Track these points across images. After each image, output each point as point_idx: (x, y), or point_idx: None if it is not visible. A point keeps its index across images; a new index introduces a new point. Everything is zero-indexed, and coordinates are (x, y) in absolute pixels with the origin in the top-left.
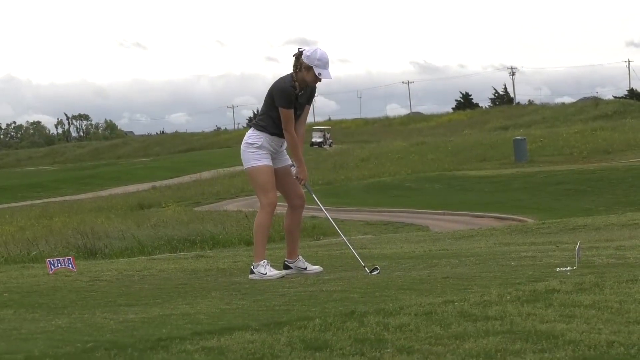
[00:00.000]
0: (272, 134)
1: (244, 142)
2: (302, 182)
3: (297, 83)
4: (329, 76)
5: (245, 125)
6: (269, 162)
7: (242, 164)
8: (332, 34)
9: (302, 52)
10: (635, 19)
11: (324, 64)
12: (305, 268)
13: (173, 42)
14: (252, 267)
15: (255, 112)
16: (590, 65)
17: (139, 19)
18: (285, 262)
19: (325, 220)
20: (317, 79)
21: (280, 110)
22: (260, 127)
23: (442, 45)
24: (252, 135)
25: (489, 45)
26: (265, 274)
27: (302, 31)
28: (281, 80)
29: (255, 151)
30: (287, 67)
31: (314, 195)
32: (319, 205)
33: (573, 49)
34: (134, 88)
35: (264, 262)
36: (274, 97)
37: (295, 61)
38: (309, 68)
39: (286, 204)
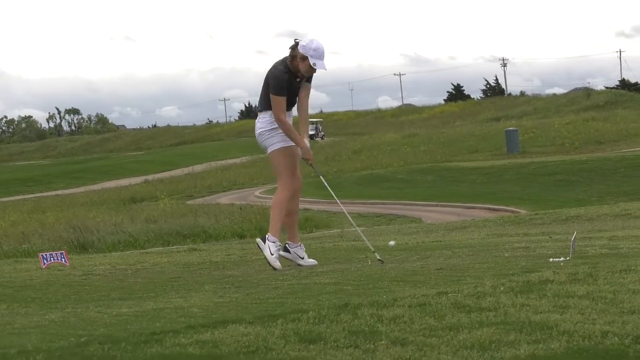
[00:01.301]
0: None
1: (262, 128)
2: (309, 162)
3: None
4: (323, 67)
5: (237, 118)
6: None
7: (234, 157)
8: (322, 26)
9: (298, 42)
10: (624, 10)
11: (320, 54)
12: (303, 258)
13: (163, 35)
14: (267, 237)
15: (247, 105)
16: (581, 56)
17: (128, 13)
18: (287, 245)
19: (318, 212)
20: (312, 69)
21: (272, 97)
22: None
23: (432, 37)
24: (269, 120)
25: (479, 37)
26: (272, 254)
27: (292, 24)
28: (275, 66)
29: (279, 133)
30: (277, 60)
31: (321, 177)
32: (325, 188)
33: (563, 40)
34: (124, 82)
35: (276, 240)
36: (269, 83)
37: (291, 51)
38: (304, 58)
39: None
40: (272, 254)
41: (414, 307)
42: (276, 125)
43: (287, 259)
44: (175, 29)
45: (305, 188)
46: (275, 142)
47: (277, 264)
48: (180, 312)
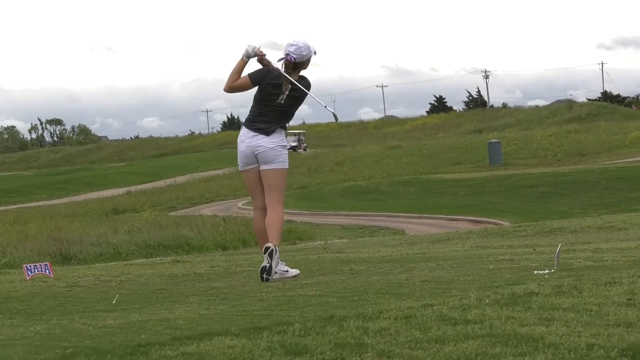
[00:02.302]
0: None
1: (278, 144)
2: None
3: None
4: (298, 49)
5: (219, 130)
6: None
7: (216, 168)
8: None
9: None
10: (605, 22)
11: (294, 46)
12: (287, 271)
13: (144, 46)
14: (274, 246)
15: (229, 117)
16: (562, 68)
17: (110, 24)
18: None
19: (302, 224)
20: (287, 60)
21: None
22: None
23: (413, 48)
24: (284, 139)
25: (460, 49)
26: (287, 269)
27: (273, 35)
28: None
29: (287, 153)
30: None
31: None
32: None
33: (544, 52)
34: (105, 93)
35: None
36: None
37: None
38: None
39: (254, 207)
40: (288, 269)
41: (400, 320)
42: (285, 144)
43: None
44: (156, 40)
45: (289, 199)
46: (287, 160)
47: (274, 276)
48: (165, 324)
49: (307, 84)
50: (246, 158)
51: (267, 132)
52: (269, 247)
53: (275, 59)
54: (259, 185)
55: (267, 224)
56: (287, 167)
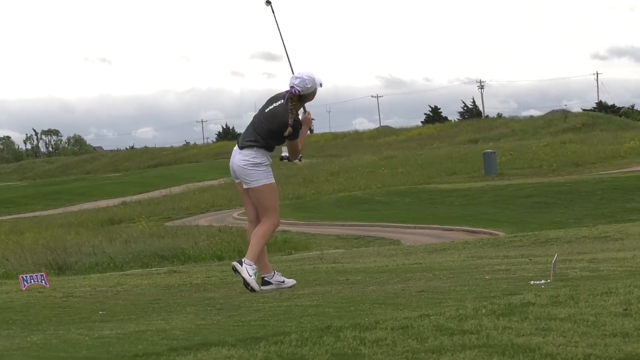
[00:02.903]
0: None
1: (248, 162)
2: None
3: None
4: (302, 82)
5: (214, 140)
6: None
7: (211, 179)
8: (298, 48)
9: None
10: (599, 32)
11: (298, 79)
12: (284, 281)
13: (138, 57)
14: (243, 260)
15: (224, 127)
16: (556, 78)
17: (104, 34)
18: (265, 279)
19: (297, 234)
20: (292, 93)
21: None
22: (265, 146)
23: (406, 59)
24: (256, 156)
25: (454, 59)
26: (249, 275)
27: (267, 45)
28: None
29: (265, 169)
30: (253, 82)
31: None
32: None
33: (538, 62)
34: (100, 103)
35: (254, 265)
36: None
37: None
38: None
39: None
40: (250, 275)
41: (397, 330)
42: (261, 161)
43: (269, 290)
44: (150, 50)
45: (284, 210)
46: (262, 177)
47: (255, 285)
48: (162, 334)
49: (296, 123)
50: (232, 172)
51: (241, 145)
52: (233, 265)
53: (270, 69)
54: (247, 198)
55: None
56: (261, 184)
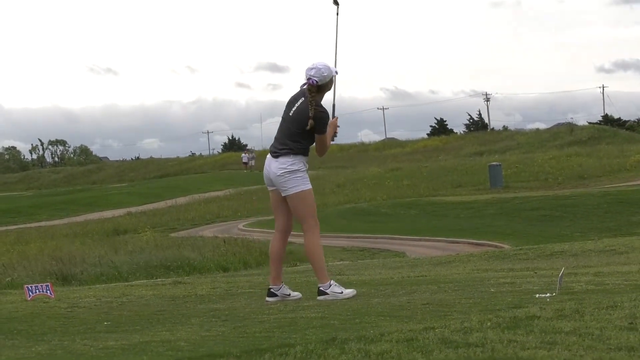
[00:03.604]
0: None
1: (285, 169)
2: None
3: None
4: (318, 71)
5: (220, 151)
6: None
7: (217, 190)
8: (302, 60)
9: (312, 82)
10: (604, 45)
11: (314, 69)
12: (289, 295)
13: (144, 67)
14: (321, 288)
15: (230, 138)
16: (562, 91)
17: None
18: (271, 290)
19: (300, 245)
20: (310, 84)
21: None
22: (301, 152)
23: (412, 71)
24: (295, 162)
25: (459, 71)
26: (342, 292)
27: (272, 57)
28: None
29: (302, 175)
30: (258, 93)
31: None
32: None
33: (543, 75)
34: (105, 113)
35: (332, 281)
36: (323, 125)
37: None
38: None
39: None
40: (342, 292)
41: (401, 342)
42: (298, 168)
43: (273, 302)
44: (155, 61)
45: None
46: (300, 183)
47: (350, 292)
48: (167, 345)
49: (320, 113)
50: (268, 180)
51: (276, 154)
52: (320, 300)
53: (276, 80)
54: (279, 207)
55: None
56: (300, 190)
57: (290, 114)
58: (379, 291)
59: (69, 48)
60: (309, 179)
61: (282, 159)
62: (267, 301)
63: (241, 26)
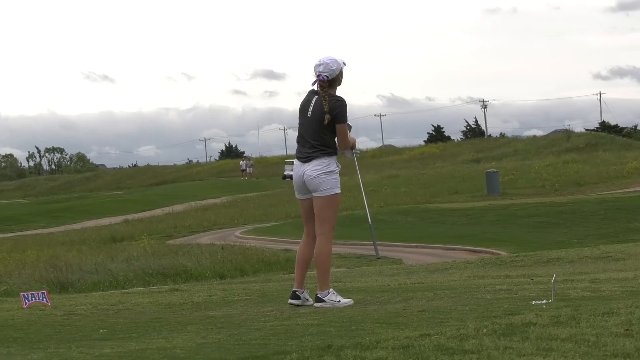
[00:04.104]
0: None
1: (320, 171)
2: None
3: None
4: (326, 66)
5: (217, 158)
6: None
7: (214, 197)
8: (299, 66)
9: (322, 78)
10: (601, 53)
11: (322, 65)
12: (308, 299)
13: (140, 74)
14: (318, 295)
15: (227, 145)
16: (559, 98)
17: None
18: (296, 292)
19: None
20: (321, 80)
21: (342, 126)
22: (334, 152)
23: (408, 78)
24: (330, 164)
25: (455, 79)
26: (339, 301)
27: (269, 63)
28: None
29: (337, 177)
30: (254, 100)
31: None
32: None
33: (540, 82)
34: (102, 121)
35: (331, 290)
36: (343, 114)
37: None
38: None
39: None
40: (339, 301)
41: (397, 349)
42: (333, 169)
43: (296, 305)
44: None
45: (286, 228)
46: (334, 186)
47: (348, 301)
48: (163, 353)
49: (337, 102)
50: (299, 187)
51: (308, 159)
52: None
53: (272, 87)
54: (310, 214)
55: (314, 260)
56: (333, 192)
57: (309, 115)
58: (375, 298)
59: (65, 55)
60: (340, 182)
61: (316, 162)
62: (290, 303)
63: (237, 33)
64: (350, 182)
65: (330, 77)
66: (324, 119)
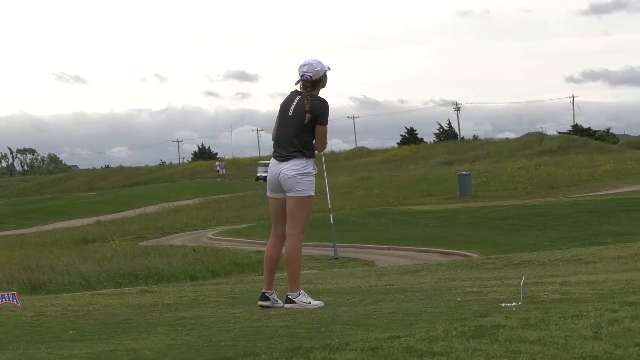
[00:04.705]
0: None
1: (298, 172)
2: None
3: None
4: (310, 67)
5: (190, 160)
6: None
7: (186, 198)
8: (271, 68)
9: (305, 78)
10: (573, 56)
11: (306, 65)
12: (277, 301)
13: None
14: (289, 296)
15: (200, 147)
16: (531, 101)
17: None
18: (265, 294)
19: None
20: (305, 80)
21: (323, 128)
22: (312, 154)
23: (380, 80)
24: (308, 165)
25: (428, 81)
26: (310, 302)
27: (241, 65)
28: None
29: (312, 180)
30: (227, 102)
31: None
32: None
33: (512, 85)
34: (73, 122)
35: (302, 291)
36: (325, 115)
37: (307, 89)
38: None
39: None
40: (310, 302)
41: (366, 351)
42: (310, 172)
43: (265, 306)
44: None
45: (258, 230)
46: (309, 188)
47: (318, 303)
48: (131, 354)
49: (320, 103)
50: (274, 185)
51: (286, 158)
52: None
53: (244, 89)
54: (281, 215)
55: (284, 261)
56: (307, 194)
57: (290, 114)
58: (345, 300)
59: (37, 55)
60: (315, 185)
61: (294, 162)
62: (260, 304)
63: (209, 34)
64: (322, 184)
65: (313, 78)
66: (304, 117)
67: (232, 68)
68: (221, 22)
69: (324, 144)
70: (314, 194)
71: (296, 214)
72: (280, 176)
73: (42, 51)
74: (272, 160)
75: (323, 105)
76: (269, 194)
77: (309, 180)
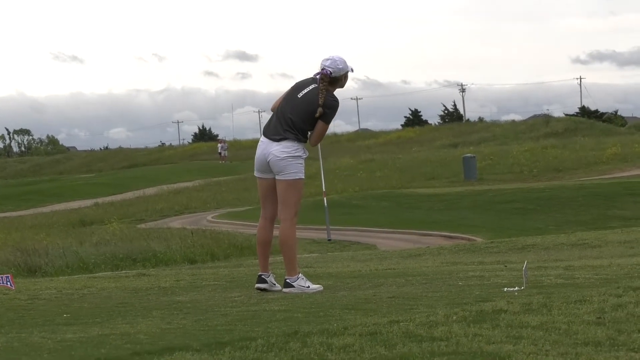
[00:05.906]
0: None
1: (288, 154)
2: None
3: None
4: (333, 62)
5: (190, 141)
6: None
7: (186, 180)
8: (272, 48)
9: (325, 72)
10: (580, 37)
11: (329, 60)
12: (275, 284)
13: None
14: (287, 280)
15: (201, 128)
16: (537, 82)
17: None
18: (262, 276)
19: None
20: (323, 74)
21: (324, 125)
22: (304, 139)
23: (383, 61)
24: (299, 149)
25: (432, 62)
26: (308, 286)
27: (241, 45)
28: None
29: (302, 163)
30: (227, 82)
31: None
32: None
33: (518, 66)
34: (71, 103)
35: (300, 274)
36: (332, 115)
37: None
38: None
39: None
40: (309, 286)
41: (365, 336)
42: (300, 154)
43: (262, 289)
44: (122, 49)
45: (259, 213)
46: (299, 171)
47: (317, 287)
48: (126, 338)
49: (333, 102)
50: (262, 165)
51: (277, 137)
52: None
53: (245, 69)
54: (269, 195)
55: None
56: (297, 177)
57: (299, 96)
58: (345, 284)
59: (34, 35)
60: (304, 169)
61: (286, 143)
62: (257, 287)
63: (209, 13)
64: (325, 167)
65: (333, 74)
66: (311, 107)
67: (231, 48)
68: (220, 0)
69: (318, 140)
70: (303, 177)
71: (287, 197)
72: (269, 157)
73: (39, 31)
74: (262, 138)
75: (335, 105)
76: (256, 173)
77: (299, 163)
